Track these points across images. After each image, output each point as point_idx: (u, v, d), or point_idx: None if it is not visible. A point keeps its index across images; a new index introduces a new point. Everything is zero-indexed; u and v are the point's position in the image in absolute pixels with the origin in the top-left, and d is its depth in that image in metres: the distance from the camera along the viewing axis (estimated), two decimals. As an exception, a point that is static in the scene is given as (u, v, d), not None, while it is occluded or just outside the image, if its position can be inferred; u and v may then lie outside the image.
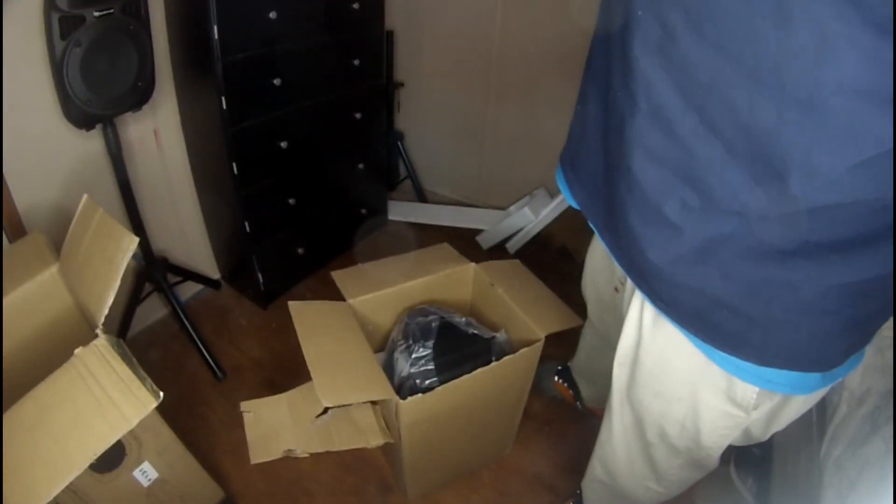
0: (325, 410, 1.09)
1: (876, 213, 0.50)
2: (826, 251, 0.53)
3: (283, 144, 1.66)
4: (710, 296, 0.60)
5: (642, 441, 0.90)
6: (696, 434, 0.79)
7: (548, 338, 1.14)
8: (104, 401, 0.83)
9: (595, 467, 1.07)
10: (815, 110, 0.46)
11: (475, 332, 1.21)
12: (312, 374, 0.97)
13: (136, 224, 1.50)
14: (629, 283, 0.79)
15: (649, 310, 0.75)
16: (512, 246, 2.20)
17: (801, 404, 0.75)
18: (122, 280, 0.95)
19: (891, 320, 0.87)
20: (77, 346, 0.89)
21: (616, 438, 0.94)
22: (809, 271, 0.54)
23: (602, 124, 0.68)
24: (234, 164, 1.54)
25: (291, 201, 1.79)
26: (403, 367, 1.15)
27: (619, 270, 0.77)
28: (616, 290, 0.98)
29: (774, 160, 0.50)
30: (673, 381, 0.76)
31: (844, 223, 0.51)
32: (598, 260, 1.06)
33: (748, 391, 0.68)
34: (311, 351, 1.02)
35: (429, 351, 1.15)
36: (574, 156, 0.79)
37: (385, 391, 1.00)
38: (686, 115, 0.54)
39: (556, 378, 1.59)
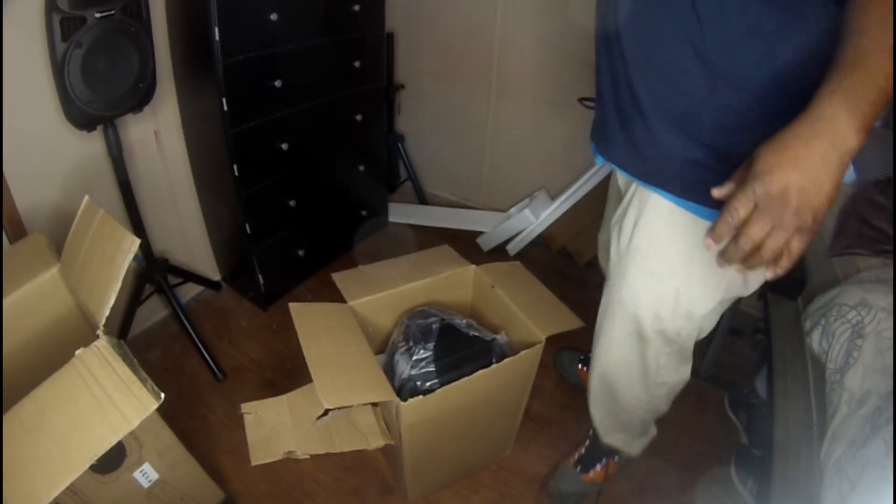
0: (326, 412, 1.09)
1: (773, 94, 0.74)
2: (753, 125, 0.74)
3: (284, 146, 1.66)
4: (693, 160, 0.82)
5: (639, 339, 1.00)
6: (689, 307, 0.91)
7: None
8: (105, 402, 0.83)
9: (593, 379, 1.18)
10: (725, 14, 0.72)
11: (476, 333, 1.21)
12: (313, 376, 0.97)
13: (137, 225, 1.50)
14: (625, 200, 0.97)
15: (640, 201, 0.91)
16: (512, 248, 2.20)
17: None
18: (123, 281, 0.95)
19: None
20: (78, 347, 0.89)
21: (615, 342, 1.05)
22: (748, 139, 0.70)
23: (612, 93, 0.91)
24: (235, 166, 1.55)
25: (292, 203, 1.79)
26: (404, 368, 1.15)
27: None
28: None
29: (710, 53, 0.75)
30: (668, 256, 0.89)
31: (758, 103, 0.75)
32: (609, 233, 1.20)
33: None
34: (312, 352, 1.02)
35: (429, 353, 1.15)
36: (598, 126, 1.02)
37: (386, 393, 1.00)
38: (655, 50, 0.81)
39: (579, 365, 1.64)
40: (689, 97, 0.79)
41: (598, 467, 1.34)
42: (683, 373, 1.09)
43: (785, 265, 0.62)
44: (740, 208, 0.61)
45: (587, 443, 1.38)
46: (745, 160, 0.64)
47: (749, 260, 0.63)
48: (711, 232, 0.64)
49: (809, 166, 0.58)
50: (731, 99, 0.76)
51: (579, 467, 1.35)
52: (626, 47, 0.85)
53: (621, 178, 1.03)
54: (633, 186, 0.94)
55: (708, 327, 1.00)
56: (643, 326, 0.97)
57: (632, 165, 0.91)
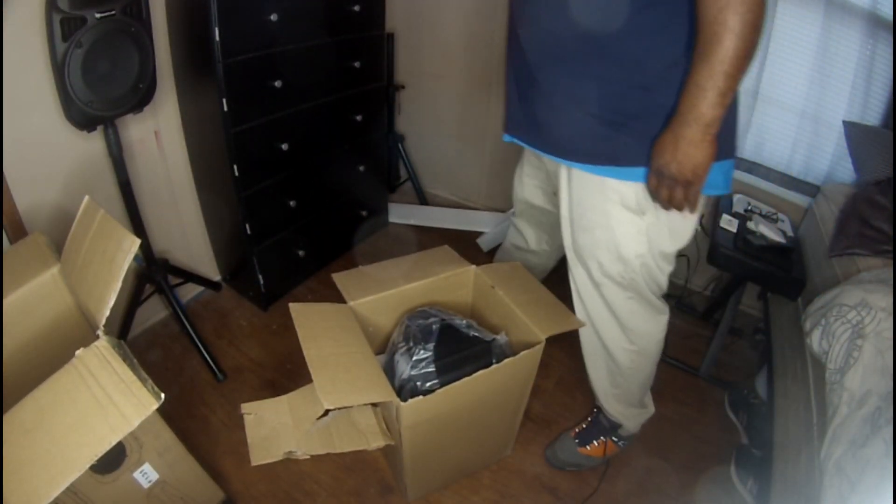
0: (326, 412, 1.09)
1: (641, 65, 0.91)
2: (632, 93, 0.94)
3: (284, 146, 1.66)
4: (591, 131, 0.99)
5: (595, 285, 1.18)
6: (618, 250, 1.09)
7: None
8: (105, 402, 0.83)
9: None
10: None
11: (476, 334, 1.21)
12: (313, 376, 0.97)
13: (137, 225, 1.50)
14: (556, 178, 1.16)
15: (566, 178, 1.10)
16: (512, 248, 2.20)
17: (682, 224, 1.07)
18: (123, 281, 0.95)
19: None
20: (78, 347, 0.89)
21: (582, 289, 1.22)
22: (632, 106, 0.94)
23: (515, 78, 1.10)
24: (235, 166, 1.55)
25: (292, 203, 1.79)
26: (404, 369, 1.15)
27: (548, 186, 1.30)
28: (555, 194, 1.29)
29: (580, 25, 0.90)
30: (591, 213, 1.09)
31: (627, 72, 0.92)
32: (529, 183, 1.41)
33: (631, 195, 1.02)
34: (312, 353, 1.02)
35: (429, 353, 1.15)
36: (508, 113, 1.18)
37: (386, 393, 1.00)
38: (540, 26, 0.99)
39: None
40: (572, 71, 0.97)
41: (596, 443, 1.43)
42: (659, 322, 1.23)
43: (691, 206, 0.95)
44: (651, 181, 0.96)
45: (589, 419, 1.47)
46: None
47: (672, 207, 0.97)
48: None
49: (677, 146, 0.88)
50: (605, 69, 0.93)
51: (577, 440, 1.45)
52: (521, 30, 1.03)
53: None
54: (557, 165, 1.13)
55: (661, 278, 1.16)
56: (592, 272, 1.16)
57: (539, 141, 1.12)
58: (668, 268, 1.15)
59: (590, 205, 1.08)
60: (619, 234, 1.07)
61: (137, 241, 0.96)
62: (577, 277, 1.20)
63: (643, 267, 1.11)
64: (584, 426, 1.46)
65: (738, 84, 0.83)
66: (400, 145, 2.47)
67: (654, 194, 0.97)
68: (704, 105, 0.83)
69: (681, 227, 1.07)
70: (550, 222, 1.37)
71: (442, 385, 1.07)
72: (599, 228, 1.09)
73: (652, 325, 1.22)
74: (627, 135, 0.97)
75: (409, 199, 2.59)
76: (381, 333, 1.33)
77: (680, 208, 0.95)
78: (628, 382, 1.31)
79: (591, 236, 1.11)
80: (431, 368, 1.13)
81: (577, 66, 0.95)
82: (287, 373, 1.67)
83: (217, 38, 1.34)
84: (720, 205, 1.75)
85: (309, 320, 1.11)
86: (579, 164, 1.05)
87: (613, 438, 1.43)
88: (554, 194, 1.26)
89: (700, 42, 0.82)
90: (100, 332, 0.92)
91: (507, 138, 1.21)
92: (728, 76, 0.80)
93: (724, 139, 0.91)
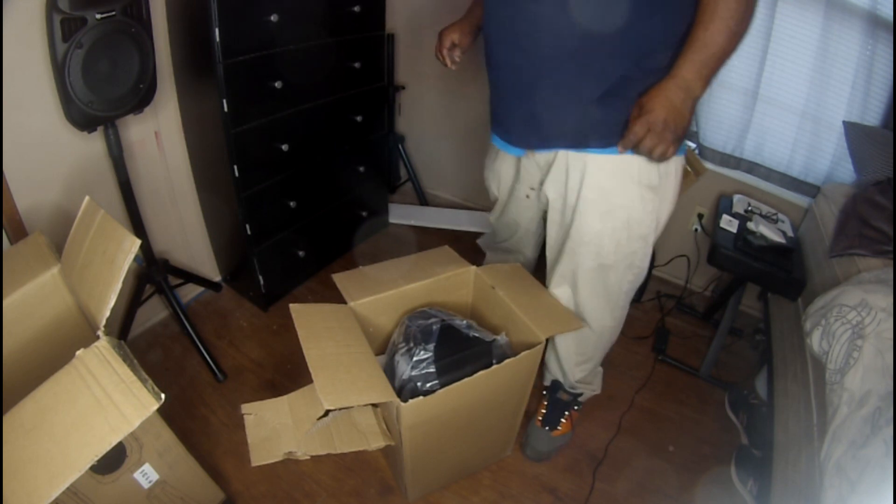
0: (326, 413, 1.09)
1: (634, 47, 1.00)
2: (627, 85, 1.03)
3: (284, 147, 1.66)
4: (605, 117, 1.06)
5: (602, 269, 1.20)
6: (639, 229, 1.14)
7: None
8: (105, 402, 0.83)
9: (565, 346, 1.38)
10: None
11: (476, 334, 1.21)
12: (314, 377, 0.97)
13: (137, 226, 1.51)
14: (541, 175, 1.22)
15: (579, 167, 1.13)
16: (512, 248, 2.20)
17: (672, 194, 1.17)
18: (123, 282, 0.95)
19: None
20: (78, 348, 0.89)
21: (582, 278, 1.23)
22: (640, 85, 1.02)
23: (512, 83, 1.12)
24: (235, 167, 1.55)
25: (292, 203, 1.79)
26: (404, 369, 1.15)
27: (529, 180, 1.27)
28: (527, 196, 1.32)
29: (590, 20, 0.97)
30: (613, 195, 1.12)
31: (614, 60, 1.01)
32: (506, 174, 1.36)
33: (644, 172, 1.09)
34: (313, 353, 1.02)
35: (430, 353, 1.15)
36: (497, 116, 1.22)
37: (386, 393, 1.00)
38: (550, 34, 1.02)
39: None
40: (581, 66, 1.03)
41: (564, 420, 1.48)
42: (634, 296, 1.32)
43: (669, 157, 1.01)
44: (639, 131, 0.98)
45: (546, 402, 1.50)
46: (635, 105, 1.00)
47: (649, 157, 1.01)
48: (622, 143, 1.00)
49: (674, 106, 0.96)
50: (613, 60, 1.02)
51: (547, 427, 1.47)
52: (513, 33, 1.06)
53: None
54: (555, 155, 1.16)
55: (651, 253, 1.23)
56: (606, 258, 1.18)
57: (548, 140, 1.15)
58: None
59: (611, 187, 1.12)
60: (640, 213, 1.13)
61: (138, 242, 0.96)
62: (582, 263, 1.20)
63: (652, 243, 1.19)
64: (544, 411, 1.48)
65: (721, 68, 0.99)
66: (400, 146, 2.47)
67: (638, 142, 1.01)
68: (699, 81, 0.97)
69: (671, 197, 1.17)
70: (530, 215, 1.38)
71: (442, 385, 1.07)
72: (621, 210, 1.13)
73: (630, 298, 1.30)
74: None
75: (410, 200, 2.59)
76: (382, 334, 1.33)
77: (661, 159, 1.03)
78: (599, 352, 1.39)
79: (610, 219, 1.14)
80: (432, 369, 1.13)
81: (586, 60, 1.02)
82: (287, 373, 1.67)
83: (217, 38, 1.34)
84: (720, 205, 1.75)
85: (309, 321, 1.11)
86: (601, 150, 1.10)
87: (575, 408, 1.49)
88: (532, 188, 1.28)
89: (696, 32, 0.95)
90: (100, 333, 0.92)
91: (502, 146, 1.24)
92: (719, 61, 0.97)
93: None
